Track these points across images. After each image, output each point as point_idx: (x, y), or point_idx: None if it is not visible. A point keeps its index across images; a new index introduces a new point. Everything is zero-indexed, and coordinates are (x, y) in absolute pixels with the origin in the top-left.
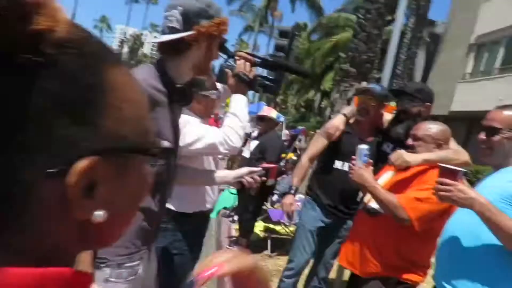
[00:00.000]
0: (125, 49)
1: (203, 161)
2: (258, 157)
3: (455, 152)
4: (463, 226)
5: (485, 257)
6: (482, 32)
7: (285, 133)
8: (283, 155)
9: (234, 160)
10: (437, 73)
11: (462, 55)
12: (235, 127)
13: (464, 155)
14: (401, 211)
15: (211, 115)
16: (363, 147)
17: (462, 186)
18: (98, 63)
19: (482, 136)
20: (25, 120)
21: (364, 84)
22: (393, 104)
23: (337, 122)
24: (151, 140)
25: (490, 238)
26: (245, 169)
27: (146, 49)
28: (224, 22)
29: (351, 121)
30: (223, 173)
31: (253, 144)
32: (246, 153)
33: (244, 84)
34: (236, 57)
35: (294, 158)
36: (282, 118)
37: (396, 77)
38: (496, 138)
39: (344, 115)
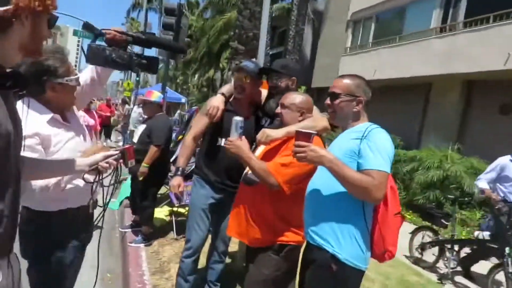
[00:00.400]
0: None
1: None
2: (146, 141)
3: (314, 120)
4: (320, 181)
5: (337, 203)
6: (356, 9)
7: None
8: (180, 137)
9: None
10: (324, 48)
11: (342, 31)
12: None
13: (322, 122)
14: (271, 177)
15: (76, 104)
16: (238, 119)
17: (313, 146)
18: None
19: (327, 101)
20: None
21: (247, 60)
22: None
23: (216, 102)
24: None
25: (340, 187)
26: (100, 155)
27: None
28: None
29: (231, 99)
30: (78, 161)
31: (140, 128)
32: (135, 138)
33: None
34: (107, 35)
35: None
36: (183, 99)
37: (288, 52)
38: (337, 102)
39: (223, 94)
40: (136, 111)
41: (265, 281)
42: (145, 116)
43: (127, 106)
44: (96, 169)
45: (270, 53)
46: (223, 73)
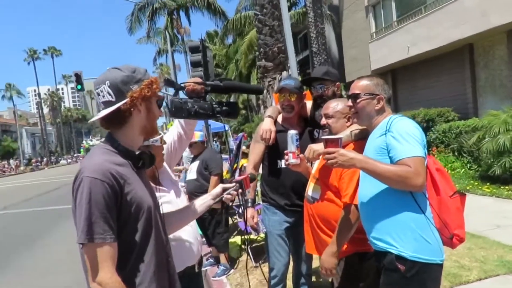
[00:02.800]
0: (46, 110)
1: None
2: (205, 173)
3: (356, 126)
4: (364, 186)
5: (385, 202)
6: None
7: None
8: (234, 166)
9: None
10: (349, 40)
11: (363, 18)
12: None
13: None
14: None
15: (169, 162)
16: (292, 132)
17: (342, 150)
18: None
19: (349, 103)
20: None
21: (284, 75)
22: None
23: (267, 126)
24: None
25: (382, 185)
26: (219, 188)
27: (67, 102)
28: (154, 82)
29: (279, 119)
30: (201, 200)
31: (194, 166)
32: (190, 176)
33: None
34: (187, 87)
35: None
36: (226, 127)
37: (314, 55)
38: (358, 102)
39: (270, 116)
40: (187, 150)
41: None
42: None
43: None
44: (220, 202)
45: (297, 59)
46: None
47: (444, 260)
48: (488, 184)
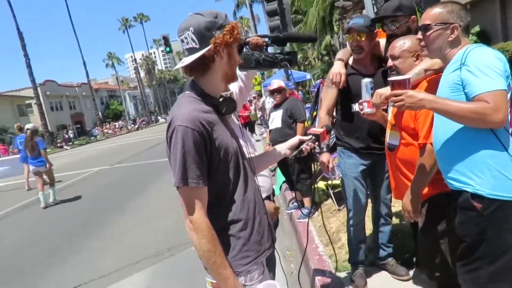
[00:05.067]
0: (142, 74)
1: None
2: (289, 121)
3: (430, 59)
4: (439, 125)
5: (462, 140)
6: None
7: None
8: (314, 113)
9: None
10: None
11: None
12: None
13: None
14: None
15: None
16: (366, 80)
17: (411, 92)
18: None
19: (420, 35)
20: None
21: (355, 17)
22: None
23: (336, 69)
24: None
25: (457, 124)
26: (296, 139)
27: (159, 65)
28: (235, 27)
29: (351, 61)
30: (279, 148)
31: (277, 114)
32: (274, 124)
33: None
34: (251, 41)
35: None
36: (308, 76)
37: None
38: (429, 34)
39: (340, 59)
40: (270, 101)
41: (442, 231)
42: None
43: (262, 99)
44: (299, 152)
45: None
46: (338, 36)
47: None
48: None
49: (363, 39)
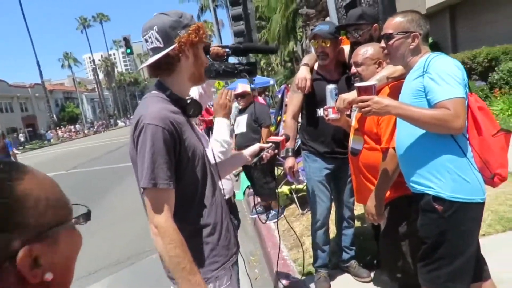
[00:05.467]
0: (101, 76)
1: None
2: (255, 126)
3: (391, 66)
4: (402, 130)
5: (424, 145)
6: None
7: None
8: (278, 118)
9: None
10: None
11: None
12: (218, 154)
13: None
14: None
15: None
16: (331, 86)
17: (376, 98)
18: (4, 185)
19: (382, 44)
20: None
21: (319, 23)
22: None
23: (302, 74)
24: (69, 208)
25: (420, 129)
26: (256, 146)
27: (119, 67)
28: (201, 27)
29: (316, 67)
30: (240, 155)
31: (242, 119)
32: (240, 129)
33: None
34: (211, 51)
35: None
36: (272, 81)
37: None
38: (391, 43)
39: (306, 64)
40: (234, 106)
41: (403, 234)
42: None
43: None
44: (259, 159)
45: (344, 4)
46: (302, 43)
47: (499, 205)
48: None
49: (328, 45)
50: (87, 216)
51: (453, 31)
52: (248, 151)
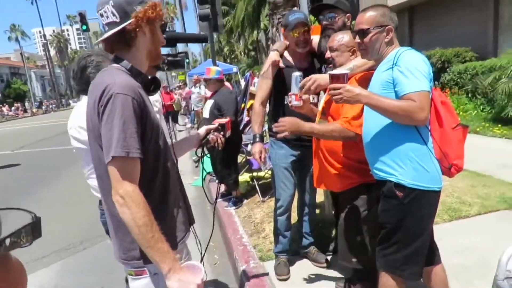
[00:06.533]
0: (53, 52)
1: None
2: (216, 114)
3: (360, 58)
4: (369, 118)
5: (389, 134)
6: None
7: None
8: (242, 105)
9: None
10: None
11: None
12: None
13: None
14: (348, 132)
15: None
16: (297, 74)
17: (348, 86)
18: None
19: (357, 40)
20: None
21: (292, 10)
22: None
23: (272, 58)
24: None
25: (387, 119)
26: (202, 130)
27: (73, 44)
28: (158, 4)
29: (286, 55)
30: (192, 138)
31: (208, 103)
32: (206, 113)
33: None
34: None
35: None
36: (235, 69)
37: None
38: (367, 38)
39: (276, 50)
40: (195, 92)
41: (362, 219)
42: (208, 94)
43: (186, 88)
44: (205, 142)
45: None
46: (267, 32)
47: (447, 196)
48: (499, 125)
49: (308, 33)
50: (33, 231)
51: (411, 31)
52: (197, 135)
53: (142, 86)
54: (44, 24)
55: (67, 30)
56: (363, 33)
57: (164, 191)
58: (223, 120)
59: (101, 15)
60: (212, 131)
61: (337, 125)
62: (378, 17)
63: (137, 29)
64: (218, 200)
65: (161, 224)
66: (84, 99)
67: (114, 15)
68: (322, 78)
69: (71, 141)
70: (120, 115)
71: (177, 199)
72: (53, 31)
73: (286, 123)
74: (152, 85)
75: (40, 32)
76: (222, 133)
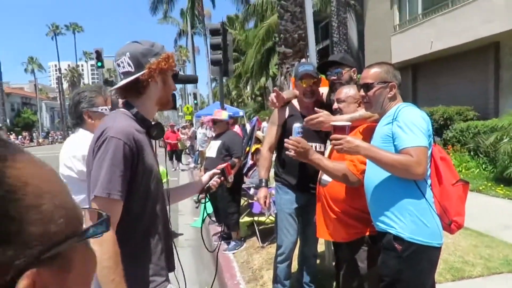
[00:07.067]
0: (66, 85)
1: None
2: (224, 154)
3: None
4: (371, 170)
5: (389, 186)
6: None
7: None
8: (247, 149)
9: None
10: (371, 31)
11: (387, 9)
12: None
13: None
14: (351, 176)
15: None
16: (296, 125)
17: (349, 137)
18: None
19: (362, 93)
20: None
21: (297, 63)
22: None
23: (270, 98)
24: (80, 216)
25: (386, 172)
26: (207, 175)
27: (86, 79)
28: (171, 56)
29: (295, 103)
30: (194, 184)
31: (214, 144)
32: (210, 153)
33: None
34: None
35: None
36: (241, 113)
37: (335, 44)
38: (371, 92)
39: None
40: (201, 132)
41: (363, 274)
42: (211, 135)
43: (192, 128)
44: (207, 189)
45: (317, 49)
46: (276, 79)
47: (449, 255)
48: (502, 185)
49: (315, 84)
50: (105, 225)
51: (414, 87)
52: (199, 182)
53: (145, 131)
54: (61, 59)
55: (82, 65)
56: (367, 87)
57: (147, 233)
58: (222, 165)
59: (118, 65)
60: (214, 176)
61: (344, 166)
62: (382, 74)
63: (150, 79)
64: (216, 242)
65: (137, 267)
66: (80, 131)
67: (129, 65)
68: (328, 119)
69: (60, 168)
70: (110, 158)
71: (160, 243)
72: (68, 65)
73: (299, 145)
74: (155, 131)
75: (55, 65)
76: (223, 177)
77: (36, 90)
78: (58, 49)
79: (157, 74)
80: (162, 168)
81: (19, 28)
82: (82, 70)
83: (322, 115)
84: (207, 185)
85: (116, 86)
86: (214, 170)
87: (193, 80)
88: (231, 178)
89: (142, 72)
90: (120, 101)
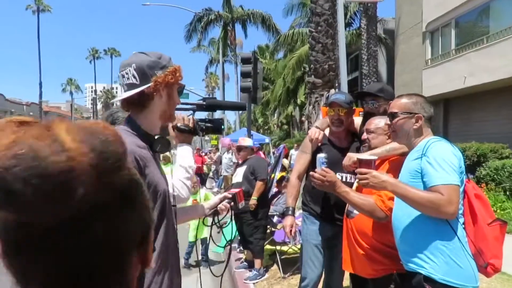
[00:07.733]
0: (99, 106)
1: None
2: (251, 178)
3: (394, 144)
4: (399, 207)
5: (420, 225)
6: (431, 19)
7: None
8: (272, 175)
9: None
10: (401, 65)
11: (419, 44)
12: (183, 179)
13: None
14: (378, 211)
15: None
16: (320, 155)
17: (375, 172)
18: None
19: (387, 121)
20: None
21: (332, 92)
22: (359, 107)
23: (312, 135)
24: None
25: (414, 210)
26: (217, 198)
27: (119, 102)
28: (178, 69)
29: (327, 132)
30: (203, 206)
31: (240, 170)
32: (237, 179)
33: (186, 134)
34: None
35: (288, 175)
36: (267, 139)
37: (364, 77)
38: (394, 121)
39: (317, 127)
40: (227, 157)
41: None
42: (235, 161)
43: (218, 153)
44: (215, 212)
45: (347, 79)
46: (304, 108)
47: None
48: None
49: (343, 113)
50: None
51: (446, 122)
52: (208, 204)
53: (149, 146)
54: (98, 81)
55: (116, 88)
56: (392, 115)
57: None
58: (235, 190)
59: (123, 76)
60: (225, 200)
61: (371, 200)
62: (409, 104)
63: (155, 93)
64: (237, 270)
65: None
66: None
67: (134, 77)
68: (356, 155)
69: None
70: None
71: (167, 267)
72: (104, 87)
73: (324, 178)
74: (158, 145)
75: (92, 87)
76: (232, 203)
77: (71, 110)
78: (96, 72)
79: (163, 88)
80: (205, 192)
81: (60, 51)
82: (116, 92)
83: (349, 155)
84: (214, 209)
85: (119, 98)
86: (225, 194)
87: (241, 107)
88: (241, 205)
89: (147, 85)
90: None
